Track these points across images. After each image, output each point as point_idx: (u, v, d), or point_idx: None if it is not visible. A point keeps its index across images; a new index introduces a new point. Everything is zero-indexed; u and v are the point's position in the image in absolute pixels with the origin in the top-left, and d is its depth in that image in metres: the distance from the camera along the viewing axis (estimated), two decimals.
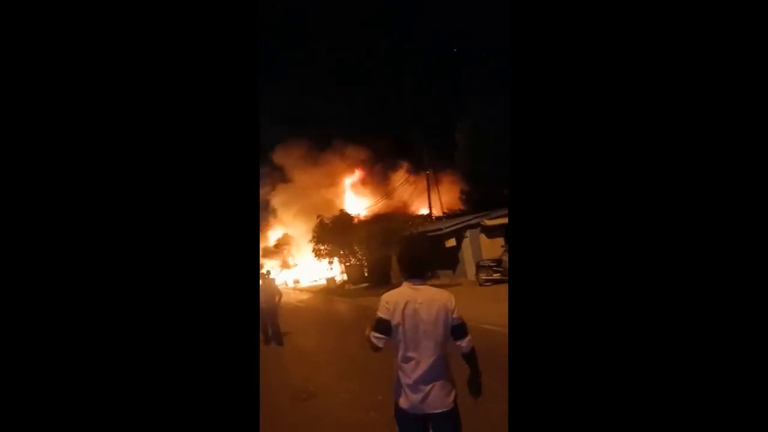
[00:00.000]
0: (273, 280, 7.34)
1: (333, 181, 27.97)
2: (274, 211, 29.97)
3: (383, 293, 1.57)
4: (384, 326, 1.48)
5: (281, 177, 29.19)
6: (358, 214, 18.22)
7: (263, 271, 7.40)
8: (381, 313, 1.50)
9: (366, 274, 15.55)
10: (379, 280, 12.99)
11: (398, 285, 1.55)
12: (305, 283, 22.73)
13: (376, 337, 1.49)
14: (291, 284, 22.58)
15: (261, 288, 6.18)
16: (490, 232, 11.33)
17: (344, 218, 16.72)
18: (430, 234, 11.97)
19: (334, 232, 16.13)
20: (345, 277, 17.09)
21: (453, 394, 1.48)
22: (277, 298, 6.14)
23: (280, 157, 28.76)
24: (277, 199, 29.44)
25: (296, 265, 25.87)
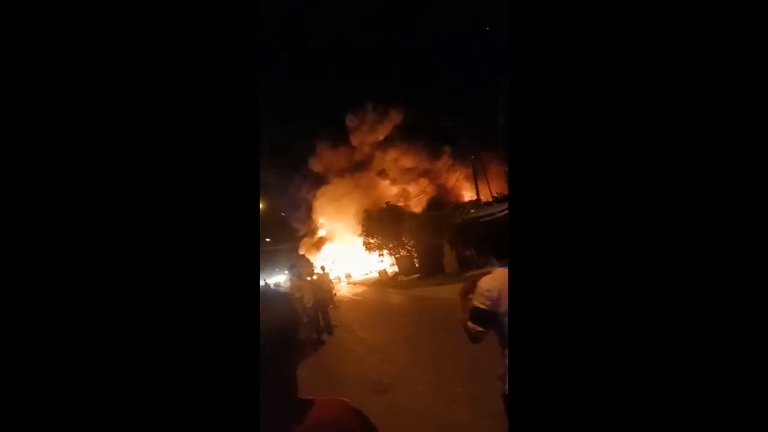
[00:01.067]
0: (327, 274, 7.60)
1: (374, 175, 28.14)
2: (314, 209, 30.91)
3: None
4: (486, 316, 1.41)
5: (320, 179, 30.05)
6: (407, 204, 18.14)
7: (317, 268, 7.69)
8: (480, 303, 1.43)
9: (417, 265, 15.52)
10: (431, 270, 12.84)
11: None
12: (357, 276, 23.21)
13: (477, 331, 1.42)
14: (343, 278, 23.14)
15: (317, 282, 6.37)
16: None
17: (391, 210, 16.77)
18: (482, 219, 11.60)
19: (382, 225, 16.26)
20: (396, 269, 17.19)
21: None
22: (332, 292, 6.39)
23: (318, 163, 29.56)
24: (317, 199, 30.32)
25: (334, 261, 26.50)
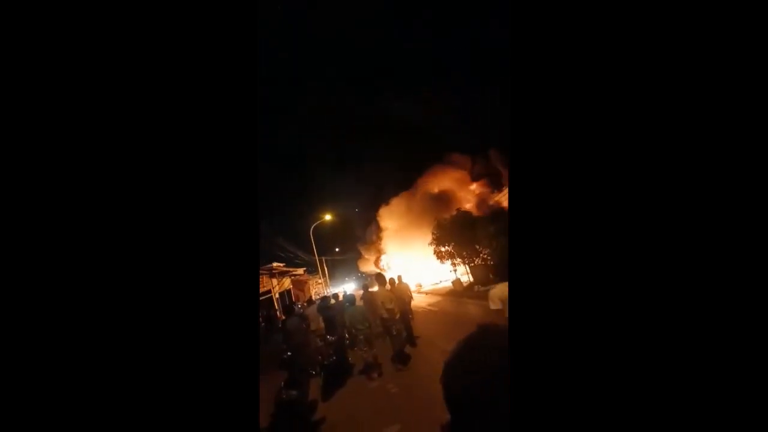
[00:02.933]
0: (407, 284, 7.29)
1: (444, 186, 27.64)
2: (381, 218, 31.25)
3: None
4: None
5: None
6: (481, 211, 17.26)
7: (392, 276, 7.44)
8: None
9: (492, 275, 14.50)
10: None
11: None
12: (427, 287, 22.65)
13: None
14: (413, 288, 22.77)
15: (399, 292, 6.06)
16: None
17: (463, 217, 16.03)
18: None
19: (453, 232, 15.59)
20: (470, 278, 16.30)
21: None
22: (408, 300, 6.06)
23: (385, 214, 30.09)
24: (385, 209, 30.70)
25: (390, 268, 26.28)
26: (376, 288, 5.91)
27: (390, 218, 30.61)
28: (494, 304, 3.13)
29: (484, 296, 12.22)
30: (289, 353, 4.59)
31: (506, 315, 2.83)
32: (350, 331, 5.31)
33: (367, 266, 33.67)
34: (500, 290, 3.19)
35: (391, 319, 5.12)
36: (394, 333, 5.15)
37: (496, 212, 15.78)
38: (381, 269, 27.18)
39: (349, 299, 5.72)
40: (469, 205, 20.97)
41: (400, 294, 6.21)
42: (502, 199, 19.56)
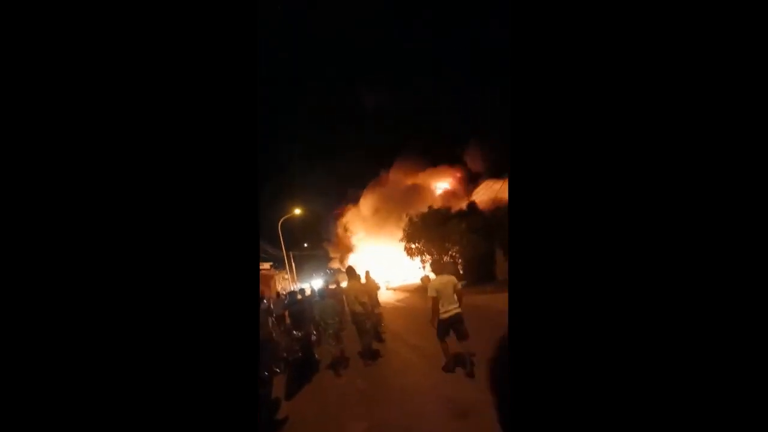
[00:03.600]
0: (374, 280, 7.23)
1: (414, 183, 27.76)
2: (351, 216, 31.02)
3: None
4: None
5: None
6: (450, 208, 17.46)
7: (365, 271, 7.39)
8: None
9: (461, 272, 14.76)
10: (480, 277, 12.06)
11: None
12: (395, 283, 22.70)
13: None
14: (382, 285, 22.74)
15: (365, 284, 5.97)
16: None
17: (434, 214, 16.17)
18: None
19: (424, 229, 15.69)
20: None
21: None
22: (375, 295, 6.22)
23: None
24: (354, 207, 30.47)
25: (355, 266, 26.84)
26: (344, 284, 5.75)
27: (358, 215, 30.41)
28: (431, 293, 3.92)
29: None
30: (258, 314, 4.33)
31: (439, 302, 3.82)
32: (320, 325, 5.15)
33: (335, 263, 33.35)
34: (437, 282, 3.97)
35: (364, 313, 4.98)
36: (368, 327, 5.02)
37: (470, 208, 16.04)
38: (342, 270, 26.99)
39: (320, 293, 5.62)
40: (441, 201, 21.19)
41: (368, 290, 6.09)
42: (475, 196, 19.92)
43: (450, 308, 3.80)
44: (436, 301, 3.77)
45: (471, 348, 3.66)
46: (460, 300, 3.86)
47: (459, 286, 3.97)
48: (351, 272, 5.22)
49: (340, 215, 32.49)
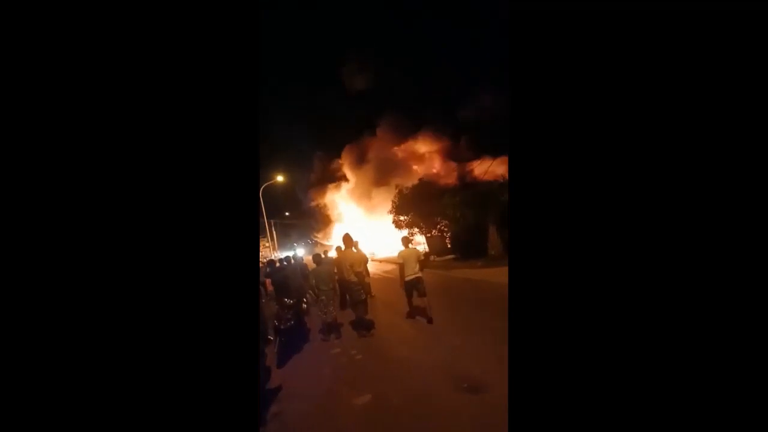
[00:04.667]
0: (361, 250, 7.02)
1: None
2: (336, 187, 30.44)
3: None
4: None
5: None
6: (440, 181, 17.21)
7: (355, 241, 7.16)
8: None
9: (449, 246, 14.74)
10: (471, 252, 12.01)
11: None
12: (380, 255, 22.68)
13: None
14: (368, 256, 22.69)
15: (354, 254, 5.70)
16: None
17: (425, 187, 15.90)
18: None
19: (414, 202, 15.46)
20: (426, 248, 16.48)
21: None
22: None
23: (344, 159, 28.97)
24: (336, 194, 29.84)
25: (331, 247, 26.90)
26: (332, 253, 5.69)
27: (344, 185, 29.84)
28: (398, 260, 4.91)
29: (440, 266, 12.23)
30: (259, 308, 4.03)
31: (404, 268, 4.83)
32: (314, 290, 4.91)
33: (320, 234, 32.99)
34: (405, 252, 4.94)
35: (359, 283, 4.73)
36: (363, 297, 4.79)
37: (464, 182, 15.81)
38: (322, 243, 26.76)
39: (316, 259, 5.38)
40: (433, 173, 20.85)
41: (363, 259, 5.86)
42: (469, 170, 19.64)
43: (412, 273, 4.84)
44: (402, 266, 4.86)
45: (429, 302, 4.90)
46: (422, 267, 4.94)
47: (422, 256, 5.05)
48: (347, 240, 4.91)
49: (326, 184, 31.79)
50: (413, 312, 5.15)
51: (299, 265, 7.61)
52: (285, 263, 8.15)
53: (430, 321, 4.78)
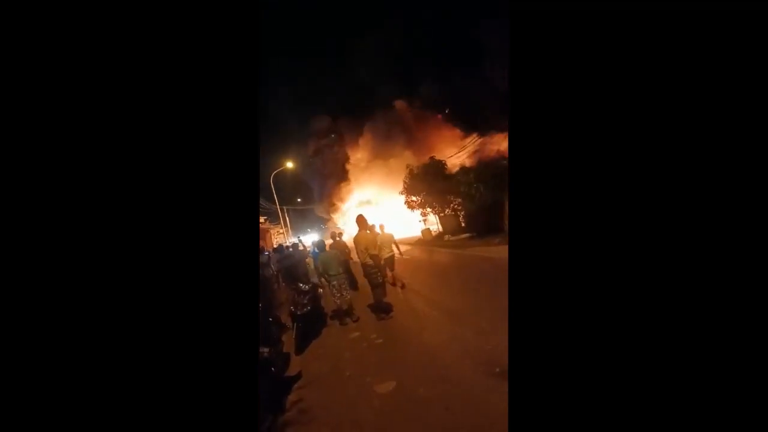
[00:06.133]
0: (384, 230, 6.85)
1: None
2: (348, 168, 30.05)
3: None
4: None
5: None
6: (454, 156, 16.73)
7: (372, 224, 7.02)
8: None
9: (463, 224, 14.43)
10: (486, 229, 11.69)
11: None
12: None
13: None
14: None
15: (368, 236, 5.54)
16: None
17: (436, 165, 15.48)
18: None
19: (425, 181, 15.10)
20: (440, 228, 16.20)
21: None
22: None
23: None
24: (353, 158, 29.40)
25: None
26: (334, 242, 6.12)
27: (356, 170, 29.51)
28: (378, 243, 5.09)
29: (455, 245, 11.98)
30: (258, 304, 3.90)
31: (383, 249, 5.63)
32: (322, 277, 4.78)
33: (332, 221, 33.00)
34: (380, 238, 5.71)
35: (375, 266, 4.54)
36: (380, 281, 4.60)
37: (477, 159, 15.34)
38: (336, 226, 26.65)
39: (319, 245, 5.23)
40: (446, 152, 20.33)
41: (382, 240, 5.67)
42: (480, 147, 19.03)
43: (388, 253, 6.14)
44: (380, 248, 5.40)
45: (402, 276, 6.59)
46: (397, 248, 6.66)
47: (394, 239, 6.57)
48: (361, 222, 4.69)
49: (338, 169, 31.51)
50: (392, 281, 6.45)
51: (302, 252, 7.69)
52: (291, 249, 8.11)
53: (402, 287, 6.32)
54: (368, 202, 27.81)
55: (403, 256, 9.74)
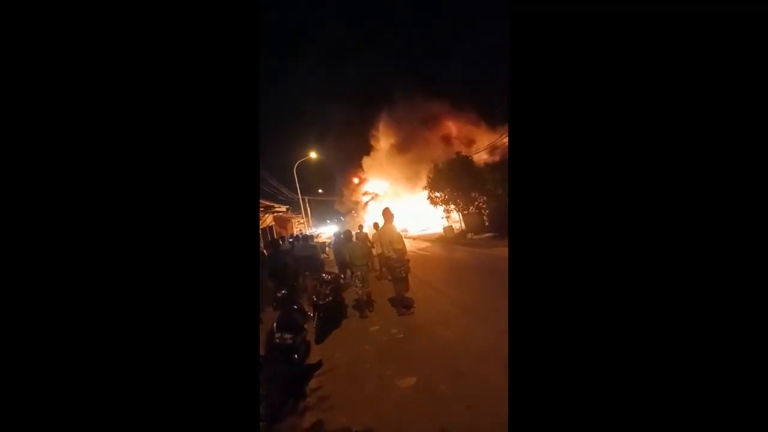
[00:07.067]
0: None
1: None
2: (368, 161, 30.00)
3: None
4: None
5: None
6: (484, 156, 16.44)
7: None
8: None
9: (487, 223, 14.18)
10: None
11: None
12: (413, 232, 22.46)
13: None
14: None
15: (394, 230, 5.53)
16: None
17: (461, 162, 15.24)
18: None
19: (450, 177, 14.91)
20: (462, 225, 15.99)
21: None
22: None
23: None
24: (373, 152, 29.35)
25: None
26: (358, 233, 6.10)
27: (375, 163, 29.47)
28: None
29: (477, 243, 11.78)
30: (283, 291, 3.98)
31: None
32: (350, 266, 4.84)
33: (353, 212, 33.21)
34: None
35: (399, 260, 4.53)
36: (403, 275, 4.59)
37: (503, 157, 15.01)
38: (359, 218, 26.73)
39: (346, 235, 5.32)
40: (472, 149, 20.01)
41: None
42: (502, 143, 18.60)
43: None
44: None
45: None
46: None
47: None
48: (387, 215, 4.68)
49: (358, 162, 31.59)
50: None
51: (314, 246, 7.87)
52: (311, 241, 8.26)
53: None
54: (386, 194, 27.78)
55: (413, 254, 9.64)
